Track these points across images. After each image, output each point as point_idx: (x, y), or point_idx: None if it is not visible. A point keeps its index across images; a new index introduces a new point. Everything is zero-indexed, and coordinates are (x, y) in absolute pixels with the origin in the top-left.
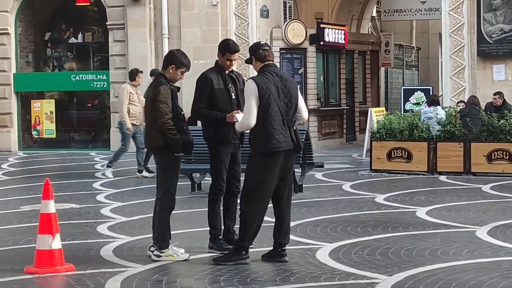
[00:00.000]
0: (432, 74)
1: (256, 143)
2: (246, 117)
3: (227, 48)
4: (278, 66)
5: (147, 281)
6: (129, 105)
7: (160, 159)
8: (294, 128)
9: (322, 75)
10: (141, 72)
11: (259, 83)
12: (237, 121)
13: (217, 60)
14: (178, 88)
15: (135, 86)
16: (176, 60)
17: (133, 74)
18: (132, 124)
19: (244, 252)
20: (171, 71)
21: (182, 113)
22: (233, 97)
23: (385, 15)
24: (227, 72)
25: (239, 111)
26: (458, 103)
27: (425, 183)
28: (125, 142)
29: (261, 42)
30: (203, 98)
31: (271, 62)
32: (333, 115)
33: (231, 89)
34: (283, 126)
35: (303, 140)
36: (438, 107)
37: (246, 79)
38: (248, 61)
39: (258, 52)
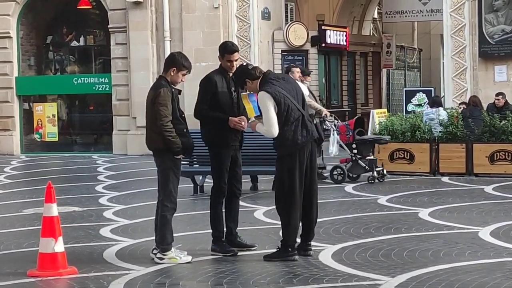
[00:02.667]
0: (434, 75)
1: (284, 146)
2: (268, 129)
3: (225, 49)
4: (280, 68)
5: (150, 284)
6: None
7: (161, 162)
8: (315, 122)
9: (323, 77)
10: (295, 66)
11: (271, 92)
12: (244, 128)
13: (221, 63)
14: (179, 91)
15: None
16: (177, 62)
17: (287, 71)
18: None
19: (290, 249)
20: (172, 74)
21: (183, 115)
22: (235, 100)
23: (386, 17)
24: (230, 74)
25: (243, 117)
26: (460, 104)
27: (427, 184)
28: None
29: (244, 64)
30: (206, 99)
31: (264, 72)
32: (334, 116)
33: (233, 92)
34: (305, 123)
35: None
36: (440, 108)
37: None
38: (242, 87)
39: (250, 73)
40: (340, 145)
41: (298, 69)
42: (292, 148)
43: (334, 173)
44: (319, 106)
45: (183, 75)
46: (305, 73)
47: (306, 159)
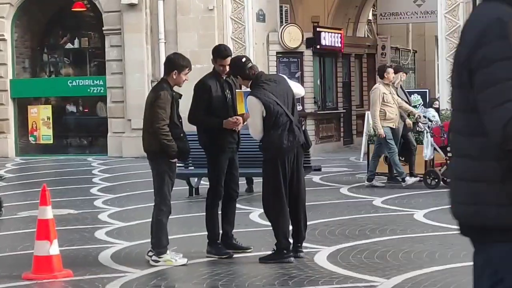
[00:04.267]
0: (429, 77)
1: (269, 149)
2: (253, 133)
3: (218, 53)
4: (275, 70)
5: (145, 286)
6: (384, 107)
7: (156, 165)
8: (303, 128)
9: (318, 78)
10: (390, 66)
11: (261, 97)
12: (239, 128)
13: (214, 67)
14: (180, 95)
15: (388, 85)
16: (176, 65)
17: (381, 71)
18: (390, 128)
19: (285, 252)
20: (174, 77)
21: (180, 120)
22: (230, 103)
23: (381, 18)
24: (224, 77)
25: (239, 117)
26: None
27: (422, 186)
28: (387, 146)
29: (242, 60)
30: (201, 104)
31: (256, 73)
32: (330, 118)
33: (227, 95)
34: (292, 128)
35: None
36: (430, 109)
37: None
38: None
39: (244, 73)
40: (435, 148)
41: (392, 70)
42: (277, 152)
43: (428, 178)
44: (410, 107)
45: (185, 74)
46: (400, 69)
47: (292, 163)
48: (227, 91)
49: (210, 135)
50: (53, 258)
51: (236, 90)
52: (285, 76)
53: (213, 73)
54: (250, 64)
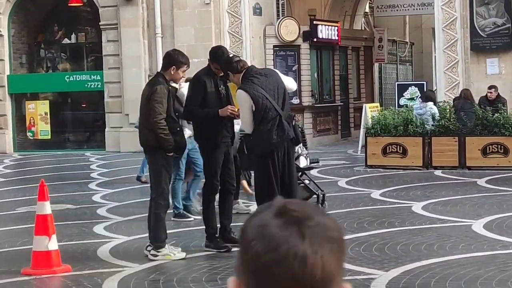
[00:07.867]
0: (426, 69)
1: (259, 145)
2: (243, 126)
3: (216, 58)
4: (272, 64)
5: (144, 281)
6: None
7: (153, 159)
8: (293, 123)
9: (316, 71)
10: None
11: (250, 91)
12: (237, 115)
13: (209, 64)
14: (176, 89)
15: None
16: (175, 60)
17: None
18: None
19: None
20: (172, 72)
21: (177, 114)
22: (225, 99)
23: (378, 11)
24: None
25: (235, 107)
26: (454, 100)
27: (420, 178)
28: None
29: (230, 55)
30: (196, 99)
31: (247, 67)
32: (327, 111)
33: (222, 90)
34: (281, 123)
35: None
36: (429, 103)
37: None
38: (226, 77)
39: (233, 66)
40: None
41: None
42: (267, 147)
43: None
44: None
45: (183, 71)
46: None
47: (282, 158)
48: (221, 87)
49: (205, 131)
50: (51, 253)
51: (229, 84)
52: (276, 70)
53: (208, 69)
54: (237, 58)
